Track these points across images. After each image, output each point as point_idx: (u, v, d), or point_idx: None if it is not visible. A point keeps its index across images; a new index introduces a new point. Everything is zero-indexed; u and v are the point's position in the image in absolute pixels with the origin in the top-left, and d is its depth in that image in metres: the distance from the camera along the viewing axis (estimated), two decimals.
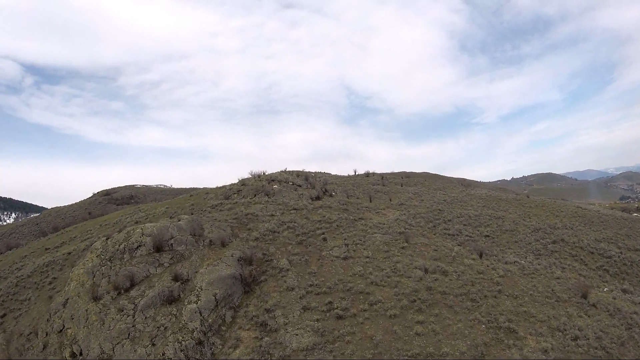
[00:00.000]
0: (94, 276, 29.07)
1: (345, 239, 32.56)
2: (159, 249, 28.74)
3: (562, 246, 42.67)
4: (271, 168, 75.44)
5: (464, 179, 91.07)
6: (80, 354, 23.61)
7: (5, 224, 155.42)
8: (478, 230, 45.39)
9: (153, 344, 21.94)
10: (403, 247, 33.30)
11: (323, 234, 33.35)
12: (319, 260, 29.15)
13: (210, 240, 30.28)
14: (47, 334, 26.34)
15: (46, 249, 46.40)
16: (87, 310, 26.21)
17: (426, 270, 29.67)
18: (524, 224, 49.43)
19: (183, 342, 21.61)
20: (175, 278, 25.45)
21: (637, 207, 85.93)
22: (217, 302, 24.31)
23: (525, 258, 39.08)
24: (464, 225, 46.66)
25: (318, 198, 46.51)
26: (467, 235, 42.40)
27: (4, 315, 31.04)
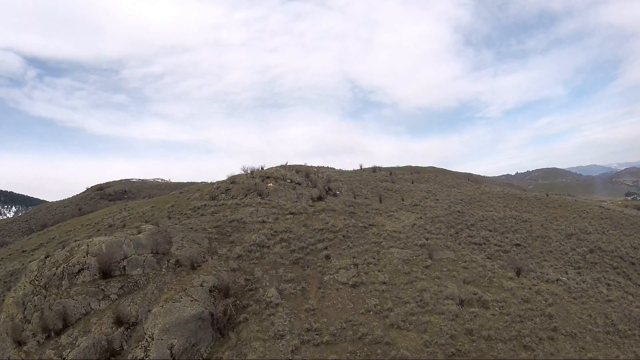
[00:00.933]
0: (25, 308, 21.38)
1: (354, 257, 24.56)
2: (106, 273, 20.91)
3: (600, 256, 35.99)
4: (274, 162, 67.44)
5: (470, 174, 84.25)
6: None
7: (3, 218, 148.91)
8: (507, 238, 37.88)
9: None
10: (427, 266, 25.34)
11: (326, 248, 25.39)
12: (319, 289, 21.19)
13: (178, 261, 22.37)
14: None
15: (23, 252, 39.26)
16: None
17: (461, 302, 21.75)
18: (554, 228, 42.25)
19: None
20: (119, 321, 17.60)
21: None
22: (173, 359, 16.46)
23: (566, 273, 31.71)
24: (490, 231, 39.10)
25: (320, 198, 38.54)
26: (496, 245, 35.03)
27: None
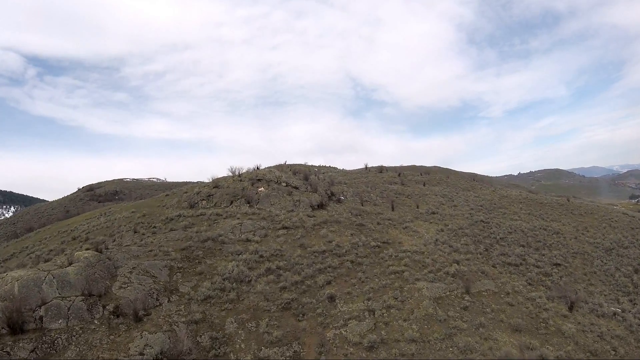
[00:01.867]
0: None
1: (368, 297, 17.20)
2: (15, 328, 13.71)
3: None
4: (275, 161, 60.24)
5: (475, 174, 78.83)
6: None
7: (1, 218, 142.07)
8: (543, 256, 31.55)
9: None
10: (465, 307, 18.04)
11: (329, 282, 18.08)
12: (320, 353, 13.81)
13: (117, 307, 15.11)
14: None
15: None
16: None
17: None
18: (588, 241, 36.42)
19: None
20: None
21: None
22: None
23: (618, 302, 26.71)
24: (522, 246, 32.73)
25: (321, 206, 31.26)
26: (534, 266, 29.04)
27: None
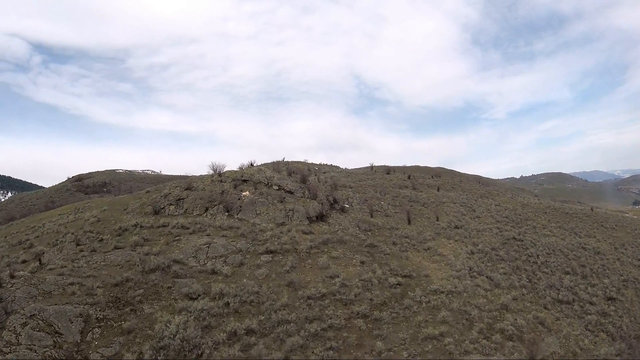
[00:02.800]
0: None
1: None
2: None
3: None
4: (278, 157, 52.96)
5: (480, 177, 72.70)
6: None
7: None
8: (593, 287, 25.69)
9: None
10: None
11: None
12: None
13: None
14: None
15: None
16: None
17: None
18: (631, 262, 30.07)
19: None
20: None
21: None
22: None
23: None
24: (568, 273, 26.32)
25: (321, 217, 24.16)
26: (588, 302, 22.44)
27: None
